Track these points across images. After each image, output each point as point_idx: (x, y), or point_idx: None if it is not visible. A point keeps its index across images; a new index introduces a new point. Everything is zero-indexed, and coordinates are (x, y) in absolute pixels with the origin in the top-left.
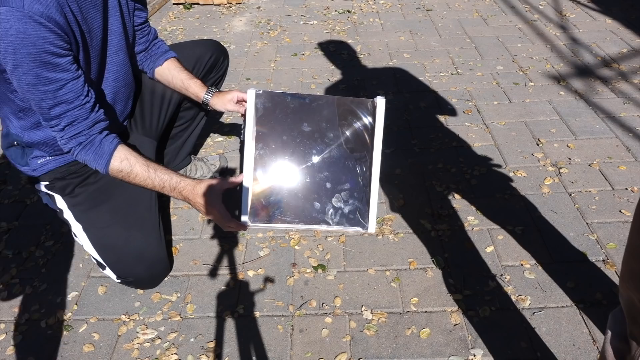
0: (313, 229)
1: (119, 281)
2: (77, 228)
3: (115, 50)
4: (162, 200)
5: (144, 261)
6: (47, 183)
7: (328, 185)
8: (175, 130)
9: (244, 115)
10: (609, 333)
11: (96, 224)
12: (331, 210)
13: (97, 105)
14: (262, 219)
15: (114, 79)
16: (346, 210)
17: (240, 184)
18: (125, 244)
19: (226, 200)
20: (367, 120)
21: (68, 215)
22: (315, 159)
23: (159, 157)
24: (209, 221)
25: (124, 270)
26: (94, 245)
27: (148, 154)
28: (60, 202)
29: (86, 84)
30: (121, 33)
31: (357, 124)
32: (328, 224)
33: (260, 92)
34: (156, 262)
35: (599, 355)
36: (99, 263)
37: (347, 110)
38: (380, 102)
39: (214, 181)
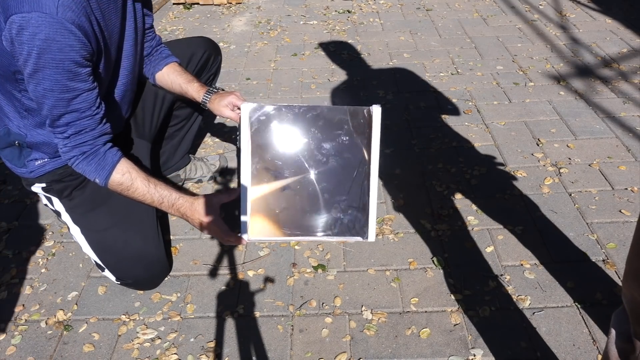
0: (313, 240)
1: (119, 282)
2: (75, 231)
3: (126, 55)
4: None
5: (143, 263)
6: (44, 185)
7: (326, 196)
8: (171, 129)
9: (239, 123)
10: (613, 333)
11: (94, 227)
12: (330, 221)
13: (106, 118)
14: (261, 232)
15: (122, 83)
16: (345, 220)
17: (238, 198)
18: (123, 246)
19: (225, 210)
20: (363, 129)
21: (66, 217)
22: (312, 170)
23: (154, 159)
24: None
25: (123, 272)
26: (93, 247)
27: (142, 156)
28: (57, 205)
29: (99, 96)
30: (133, 38)
31: (354, 134)
32: (328, 234)
33: (254, 106)
34: (155, 263)
35: (600, 356)
36: (97, 265)
37: (342, 120)
38: (376, 111)
39: (210, 197)
